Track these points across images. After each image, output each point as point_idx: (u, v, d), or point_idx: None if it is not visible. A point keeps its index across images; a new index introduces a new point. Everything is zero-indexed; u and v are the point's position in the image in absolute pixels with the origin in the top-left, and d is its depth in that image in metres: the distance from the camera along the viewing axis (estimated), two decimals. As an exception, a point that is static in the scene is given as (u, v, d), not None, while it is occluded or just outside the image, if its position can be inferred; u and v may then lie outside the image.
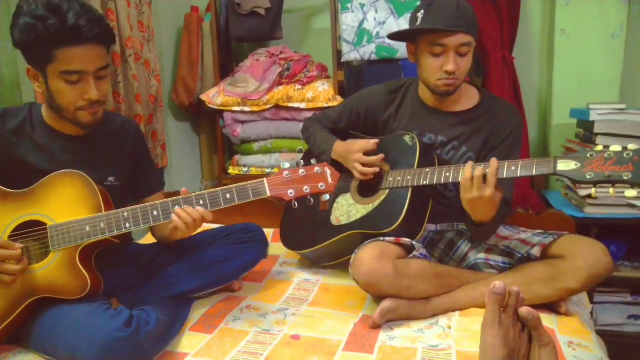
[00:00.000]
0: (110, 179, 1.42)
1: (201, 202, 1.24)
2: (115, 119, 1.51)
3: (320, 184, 1.21)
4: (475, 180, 1.29)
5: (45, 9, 1.19)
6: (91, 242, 1.26)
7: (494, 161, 1.29)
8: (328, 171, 1.22)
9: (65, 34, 1.19)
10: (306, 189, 1.21)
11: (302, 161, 1.25)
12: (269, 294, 1.62)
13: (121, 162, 1.47)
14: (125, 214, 1.26)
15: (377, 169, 1.57)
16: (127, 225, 1.25)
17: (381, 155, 1.57)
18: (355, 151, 1.58)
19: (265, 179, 1.23)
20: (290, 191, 1.21)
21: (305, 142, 1.87)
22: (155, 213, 1.25)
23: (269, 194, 1.22)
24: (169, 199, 1.26)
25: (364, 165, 1.57)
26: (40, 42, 1.20)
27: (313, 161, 1.25)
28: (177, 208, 1.23)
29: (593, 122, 1.96)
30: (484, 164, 1.32)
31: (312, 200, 1.24)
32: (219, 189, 1.25)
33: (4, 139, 1.31)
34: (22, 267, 1.21)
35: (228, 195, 1.24)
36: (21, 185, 1.30)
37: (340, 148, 1.64)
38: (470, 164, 1.32)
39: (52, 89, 1.26)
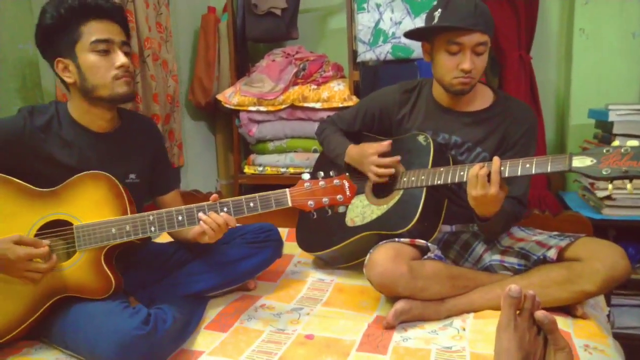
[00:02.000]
0: (132, 176, 1.45)
1: (225, 209, 1.27)
2: (136, 118, 1.55)
3: (338, 196, 1.25)
4: (480, 178, 1.30)
5: None
6: (115, 244, 1.28)
7: (495, 160, 1.30)
8: (346, 184, 1.26)
9: (88, 7, 1.30)
10: (325, 200, 1.25)
11: (321, 173, 1.28)
12: (283, 293, 1.64)
13: (142, 160, 1.49)
14: (151, 217, 1.28)
15: (392, 171, 1.57)
16: (152, 229, 1.28)
17: (397, 157, 1.57)
18: (370, 154, 1.59)
19: (287, 190, 1.26)
20: (310, 202, 1.25)
21: (320, 145, 1.88)
22: (180, 218, 1.28)
23: (290, 204, 1.26)
24: (194, 205, 1.29)
25: (379, 166, 1.57)
26: (68, 18, 1.29)
27: (332, 173, 1.28)
28: (202, 214, 1.27)
29: (612, 122, 1.94)
30: (487, 162, 1.32)
31: (330, 211, 1.27)
32: (242, 197, 1.28)
33: (33, 134, 1.33)
34: (49, 266, 1.24)
35: (251, 204, 1.27)
36: (48, 181, 1.32)
37: (354, 152, 1.65)
38: (479, 164, 1.33)
39: (84, 68, 1.32)
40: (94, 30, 1.31)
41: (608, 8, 2.19)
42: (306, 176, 1.27)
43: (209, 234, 1.27)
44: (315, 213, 1.26)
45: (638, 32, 2.17)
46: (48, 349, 1.29)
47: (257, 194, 1.28)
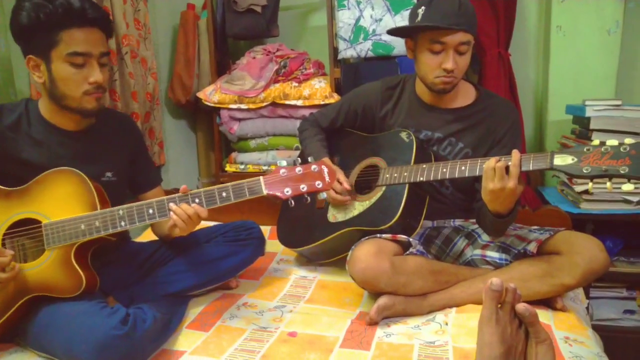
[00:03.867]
0: (108, 174, 1.42)
1: (197, 200, 1.24)
2: (112, 115, 1.52)
3: (317, 182, 1.19)
4: (497, 170, 1.27)
5: None
6: (86, 241, 1.25)
7: (515, 153, 1.28)
8: (325, 169, 1.20)
9: (72, 14, 1.22)
10: (303, 187, 1.19)
11: (299, 159, 1.23)
12: (265, 291, 1.62)
13: (119, 157, 1.46)
14: (121, 212, 1.25)
15: (345, 201, 1.59)
16: (122, 223, 1.25)
17: (348, 198, 1.58)
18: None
19: (261, 177, 1.21)
20: (286, 189, 1.19)
21: (299, 143, 1.87)
22: (150, 211, 1.25)
23: (265, 192, 1.20)
24: (165, 197, 1.26)
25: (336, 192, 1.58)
26: (48, 23, 1.22)
27: (310, 159, 1.23)
28: (172, 205, 1.23)
29: (589, 118, 1.96)
30: (504, 156, 1.30)
31: (309, 199, 1.22)
32: (215, 187, 1.24)
33: (1, 134, 1.30)
34: (10, 275, 1.20)
35: (224, 194, 1.23)
36: (18, 181, 1.29)
37: None
38: (495, 157, 1.30)
39: (56, 76, 1.27)
40: (74, 41, 1.24)
41: (584, 5, 2.22)
42: (283, 163, 1.22)
43: (179, 225, 1.24)
44: (292, 201, 1.20)
45: (613, 28, 2.21)
46: (23, 352, 1.26)
47: (229, 183, 1.23)
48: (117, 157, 1.46)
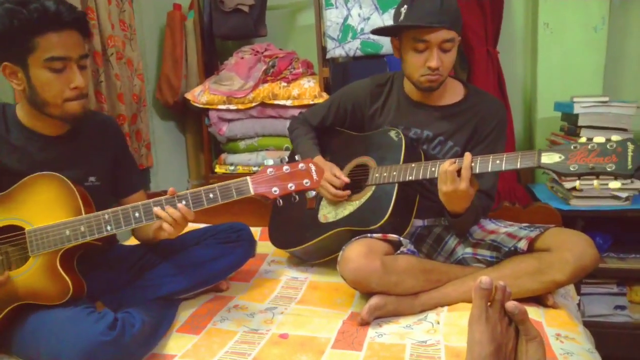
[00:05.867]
0: (91, 178, 1.39)
1: (183, 202, 1.22)
2: (94, 117, 1.47)
3: (305, 181, 1.19)
4: (449, 174, 1.31)
5: None
6: (72, 246, 1.23)
7: (467, 155, 1.31)
8: (313, 167, 1.20)
9: (48, 19, 1.18)
10: (290, 186, 1.18)
11: (286, 158, 1.23)
12: (257, 293, 1.61)
13: (102, 161, 1.43)
14: (106, 216, 1.23)
15: (344, 197, 1.59)
16: (109, 227, 1.23)
17: (347, 192, 1.58)
18: (325, 179, 1.59)
19: (248, 177, 1.20)
20: (274, 189, 1.18)
21: (290, 142, 1.86)
22: (137, 214, 1.23)
23: (252, 192, 1.19)
24: (151, 200, 1.24)
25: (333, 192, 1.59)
26: (23, 29, 1.17)
27: (297, 157, 1.22)
28: (157, 208, 1.21)
29: (577, 115, 1.98)
30: (458, 159, 1.33)
31: (297, 197, 1.21)
32: (201, 188, 1.22)
33: None
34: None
35: (211, 195, 1.21)
36: None
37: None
38: (450, 160, 1.33)
39: (35, 83, 1.22)
40: (51, 45, 1.19)
41: (570, 2, 2.23)
42: (270, 162, 1.22)
43: (166, 229, 1.22)
44: (281, 200, 1.20)
45: (599, 26, 2.22)
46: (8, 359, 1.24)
47: (216, 184, 1.21)
48: (99, 160, 1.42)
